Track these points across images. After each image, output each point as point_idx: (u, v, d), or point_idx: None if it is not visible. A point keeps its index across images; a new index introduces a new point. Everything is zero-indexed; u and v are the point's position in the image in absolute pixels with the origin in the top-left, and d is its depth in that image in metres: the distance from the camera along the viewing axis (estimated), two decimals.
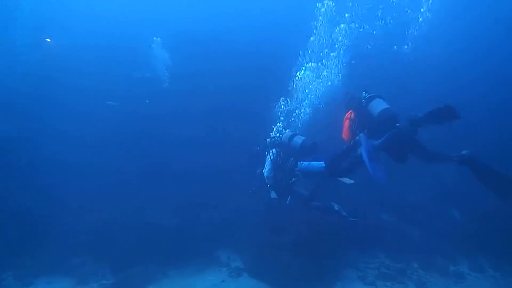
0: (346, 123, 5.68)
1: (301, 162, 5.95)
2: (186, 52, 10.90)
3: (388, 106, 5.17)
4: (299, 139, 6.02)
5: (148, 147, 9.73)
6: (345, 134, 5.70)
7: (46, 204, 7.81)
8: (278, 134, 6.49)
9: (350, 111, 5.67)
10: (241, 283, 6.15)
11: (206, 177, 7.95)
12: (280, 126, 6.77)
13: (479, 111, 9.40)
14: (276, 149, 6.25)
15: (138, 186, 8.76)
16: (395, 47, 10.47)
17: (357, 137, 5.02)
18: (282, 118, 7.22)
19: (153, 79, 10.24)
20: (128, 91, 10.08)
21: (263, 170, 6.17)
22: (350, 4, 8.71)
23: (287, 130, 6.52)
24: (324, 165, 5.61)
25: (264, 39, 11.48)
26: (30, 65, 10.41)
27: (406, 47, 10.40)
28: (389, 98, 5.37)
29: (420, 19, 10.07)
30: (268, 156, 6.17)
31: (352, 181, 5.78)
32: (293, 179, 6.05)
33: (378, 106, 5.20)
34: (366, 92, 5.54)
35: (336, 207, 5.86)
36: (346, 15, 8.60)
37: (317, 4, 8.59)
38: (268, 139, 6.56)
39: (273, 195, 6.54)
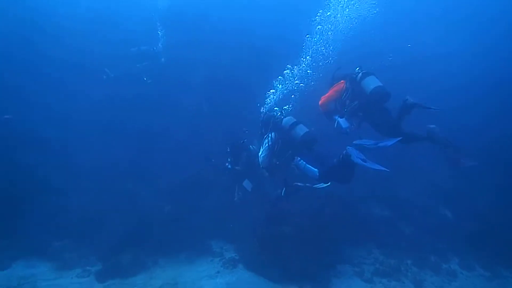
0: (332, 92, 5.79)
1: (298, 158, 5.66)
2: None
3: (381, 84, 5.26)
4: (301, 130, 5.64)
5: (141, 127, 9.25)
6: (323, 101, 5.85)
7: (26, 183, 7.22)
8: (280, 114, 6.14)
9: (341, 82, 5.74)
10: (237, 275, 5.95)
11: (201, 163, 7.59)
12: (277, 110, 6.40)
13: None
14: (275, 134, 5.86)
15: (128, 168, 8.36)
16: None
17: (345, 151, 4.98)
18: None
19: (150, 53, 9.65)
20: (125, 65, 9.45)
21: (259, 154, 5.83)
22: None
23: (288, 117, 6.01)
24: (318, 174, 5.43)
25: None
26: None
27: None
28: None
29: None
30: (266, 140, 5.81)
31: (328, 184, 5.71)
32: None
33: (372, 82, 5.28)
34: (359, 68, 5.59)
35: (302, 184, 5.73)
36: None
37: None
38: (263, 110, 6.37)
39: (247, 184, 6.51)
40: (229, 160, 6.88)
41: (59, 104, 9.13)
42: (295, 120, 5.82)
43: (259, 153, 5.86)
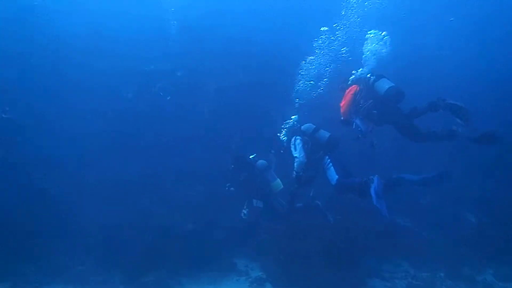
0: (348, 96, 5.95)
1: (328, 159, 5.91)
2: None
3: (394, 84, 5.50)
4: (325, 133, 6.11)
5: (160, 145, 9.22)
6: (345, 105, 5.99)
7: (47, 206, 7.24)
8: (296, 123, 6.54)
9: (354, 86, 5.96)
10: None
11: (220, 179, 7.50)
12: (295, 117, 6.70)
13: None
14: (301, 137, 6.11)
15: (143, 184, 8.30)
16: None
17: (371, 177, 5.18)
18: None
19: (167, 69, 9.72)
20: (142, 84, 9.52)
21: (294, 155, 5.91)
22: None
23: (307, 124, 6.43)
24: (335, 181, 5.66)
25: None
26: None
27: None
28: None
29: None
30: (295, 143, 6.01)
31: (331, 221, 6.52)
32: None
33: (385, 84, 5.54)
34: (371, 74, 5.88)
35: (318, 203, 6.54)
36: None
37: None
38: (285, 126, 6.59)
39: (257, 203, 6.67)
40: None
41: (70, 123, 9.14)
42: (314, 126, 6.26)
43: (295, 155, 5.88)
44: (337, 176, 5.65)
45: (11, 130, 7.83)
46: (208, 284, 6.18)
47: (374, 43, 6.53)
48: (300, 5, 11.52)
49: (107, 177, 8.31)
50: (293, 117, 6.75)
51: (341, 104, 6.14)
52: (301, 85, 7.32)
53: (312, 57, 7.49)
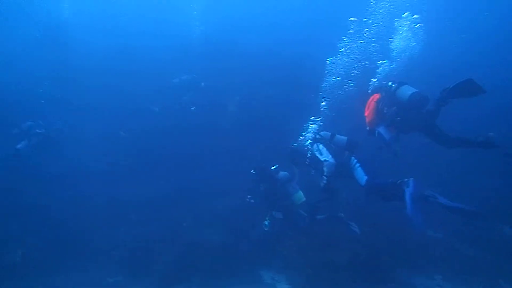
0: (372, 105, 5.98)
1: (355, 159, 5.91)
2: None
3: (417, 90, 5.46)
4: (342, 137, 6.13)
5: (187, 158, 9.37)
6: (370, 114, 6.02)
7: (80, 218, 7.48)
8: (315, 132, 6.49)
9: (376, 95, 6.00)
10: None
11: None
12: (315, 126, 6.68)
13: None
14: (323, 144, 6.11)
15: (175, 198, 8.42)
16: None
17: (407, 180, 5.01)
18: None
19: (192, 81, 9.96)
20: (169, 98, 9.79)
21: (322, 159, 5.87)
22: None
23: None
24: (365, 181, 5.59)
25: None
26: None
27: None
28: None
29: None
30: (318, 148, 6.02)
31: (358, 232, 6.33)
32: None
33: (408, 90, 5.51)
34: (392, 82, 5.84)
35: (341, 215, 6.43)
36: None
37: None
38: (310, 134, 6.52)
39: (277, 214, 6.64)
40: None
41: (102, 138, 9.46)
42: (330, 132, 6.28)
43: (323, 159, 5.84)
44: (366, 177, 5.59)
45: (47, 144, 8.11)
46: None
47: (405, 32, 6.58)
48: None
49: (137, 191, 8.48)
50: (311, 126, 6.78)
51: (366, 114, 6.16)
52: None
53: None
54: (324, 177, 5.71)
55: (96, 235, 7.46)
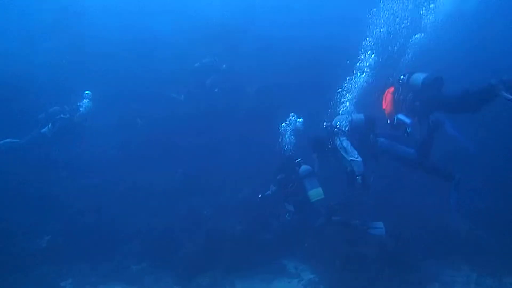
0: (388, 97, 6.12)
1: (381, 139, 5.92)
2: None
3: (428, 74, 5.66)
4: (359, 117, 6.08)
5: (210, 145, 9.29)
6: (388, 106, 6.10)
7: (103, 207, 7.53)
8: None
9: (390, 88, 6.17)
10: None
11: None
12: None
13: None
14: (342, 137, 5.96)
15: (197, 189, 8.37)
16: None
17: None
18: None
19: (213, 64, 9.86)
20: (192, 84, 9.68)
21: (350, 159, 5.74)
22: None
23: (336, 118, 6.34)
24: (414, 152, 5.67)
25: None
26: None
27: None
28: None
29: None
30: (342, 144, 5.84)
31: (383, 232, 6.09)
32: None
33: (419, 76, 5.70)
34: (402, 75, 6.03)
35: (357, 222, 6.12)
36: None
37: None
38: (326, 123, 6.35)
39: (289, 206, 6.50)
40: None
41: (123, 127, 9.43)
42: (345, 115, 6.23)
43: (350, 158, 5.72)
44: (411, 150, 5.64)
45: (68, 131, 8.12)
46: (261, 286, 6.14)
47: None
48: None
49: (158, 179, 8.48)
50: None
51: (384, 107, 6.23)
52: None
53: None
54: (357, 177, 5.68)
55: (118, 223, 7.47)
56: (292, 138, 7.08)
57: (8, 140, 7.80)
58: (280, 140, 7.19)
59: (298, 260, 6.74)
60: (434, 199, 7.69)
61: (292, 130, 7.11)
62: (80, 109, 8.14)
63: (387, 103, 6.15)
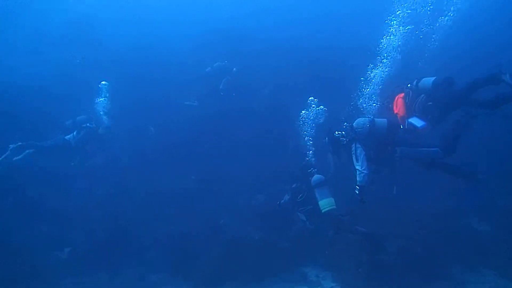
0: (400, 101, 6.08)
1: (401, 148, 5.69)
2: None
3: (437, 76, 5.73)
4: (382, 121, 5.81)
5: (226, 151, 9.23)
6: (400, 110, 6.02)
7: (120, 215, 7.56)
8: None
9: (401, 94, 6.17)
10: None
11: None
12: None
13: None
14: (361, 144, 5.76)
15: (212, 195, 8.33)
16: None
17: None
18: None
19: (224, 67, 9.94)
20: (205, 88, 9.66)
21: (357, 167, 5.60)
22: None
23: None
24: (440, 150, 5.45)
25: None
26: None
27: None
28: None
29: None
30: (355, 151, 5.68)
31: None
32: None
33: (429, 79, 5.76)
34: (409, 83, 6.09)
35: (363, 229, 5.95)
36: None
37: None
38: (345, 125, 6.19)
39: (301, 217, 6.41)
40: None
41: (139, 134, 9.46)
42: (367, 118, 5.96)
43: (357, 167, 5.60)
44: (435, 148, 5.42)
45: (92, 141, 8.16)
46: None
47: None
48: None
49: (172, 187, 8.46)
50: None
51: (396, 111, 6.14)
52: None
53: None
54: (356, 186, 5.56)
55: (136, 231, 7.48)
56: (311, 131, 7.07)
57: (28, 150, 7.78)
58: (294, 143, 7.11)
59: (320, 268, 6.65)
60: (453, 202, 7.63)
61: (313, 119, 7.09)
62: (105, 121, 8.16)
63: (399, 107, 6.10)
